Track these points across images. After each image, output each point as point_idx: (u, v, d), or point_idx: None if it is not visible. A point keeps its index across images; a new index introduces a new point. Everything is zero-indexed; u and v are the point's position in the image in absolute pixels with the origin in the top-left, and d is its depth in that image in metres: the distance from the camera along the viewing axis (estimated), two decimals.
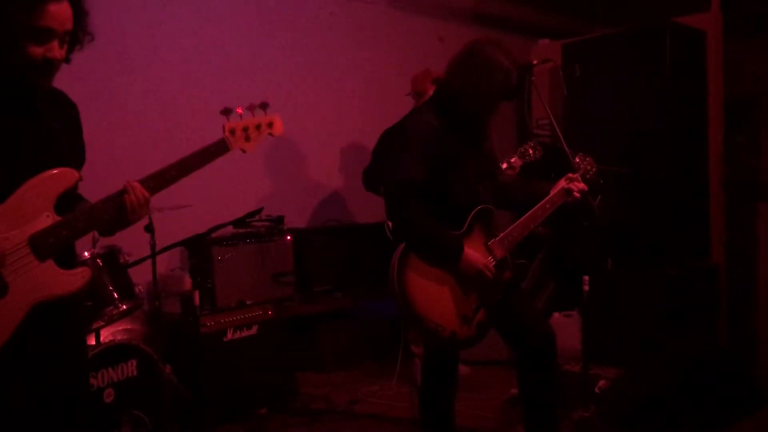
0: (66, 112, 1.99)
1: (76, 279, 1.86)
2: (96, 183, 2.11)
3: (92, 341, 3.18)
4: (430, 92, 3.09)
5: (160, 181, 1.94)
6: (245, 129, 2.06)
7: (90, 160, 2.03)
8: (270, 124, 2.12)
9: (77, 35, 1.87)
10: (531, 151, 3.40)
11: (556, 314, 4.80)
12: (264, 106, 2.10)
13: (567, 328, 4.69)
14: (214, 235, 3.77)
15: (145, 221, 3.37)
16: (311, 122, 4.86)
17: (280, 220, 4.32)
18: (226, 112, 2.05)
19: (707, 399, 3.26)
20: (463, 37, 5.64)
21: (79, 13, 1.86)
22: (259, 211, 4.03)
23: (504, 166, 3.32)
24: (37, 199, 1.79)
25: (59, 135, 1.90)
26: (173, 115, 4.27)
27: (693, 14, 4.93)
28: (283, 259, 4.19)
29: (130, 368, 3.04)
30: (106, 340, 3.18)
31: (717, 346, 4.61)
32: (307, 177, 4.91)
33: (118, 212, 1.89)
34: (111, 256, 3.16)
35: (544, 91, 4.41)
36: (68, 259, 1.90)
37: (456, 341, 2.58)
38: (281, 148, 4.72)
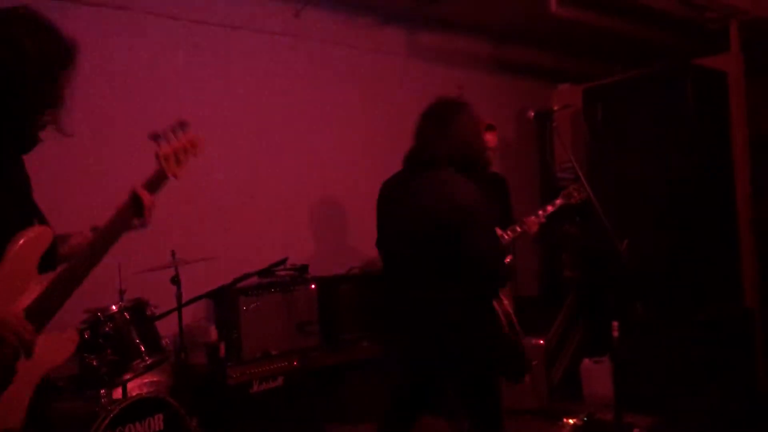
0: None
1: (68, 344, 1.76)
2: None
3: (119, 395, 3.19)
4: (487, 137, 3.51)
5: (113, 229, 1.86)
6: (176, 153, 1.97)
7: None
8: (194, 144, 2.03)
9: None
10: (576, 194, 3.47)
11: (586, 360, 4.71)
12: (183, 125, 2.00)
13: (598, 374, 4.60)
14: (239, 285, 3.79)
15: (171, 273, 3.41)
16: (333, 171, 4.90)
17: (304, 268, 4.32)
18: (155, 137, 1.94)
19: None
20: (482, 85, 5.78)
21: None
22: (283, 261, 4.05)
23: (549, 208, 3.44)
24: (23, 267, 1.69)
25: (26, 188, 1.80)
26: None
27: (713, 55, 4.94)
28: (308, 308, 4.17)
29: (157, 423, 3.01)
30: (133, 394, 3.18)
31: (754, 391, 4.47)
32: (330, 225, 4.92)
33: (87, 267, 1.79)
34: (138, 309, 3.16)
35: (566, 135, 4.42)
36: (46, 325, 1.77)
37: None
38: (304, 197, 4.75)
